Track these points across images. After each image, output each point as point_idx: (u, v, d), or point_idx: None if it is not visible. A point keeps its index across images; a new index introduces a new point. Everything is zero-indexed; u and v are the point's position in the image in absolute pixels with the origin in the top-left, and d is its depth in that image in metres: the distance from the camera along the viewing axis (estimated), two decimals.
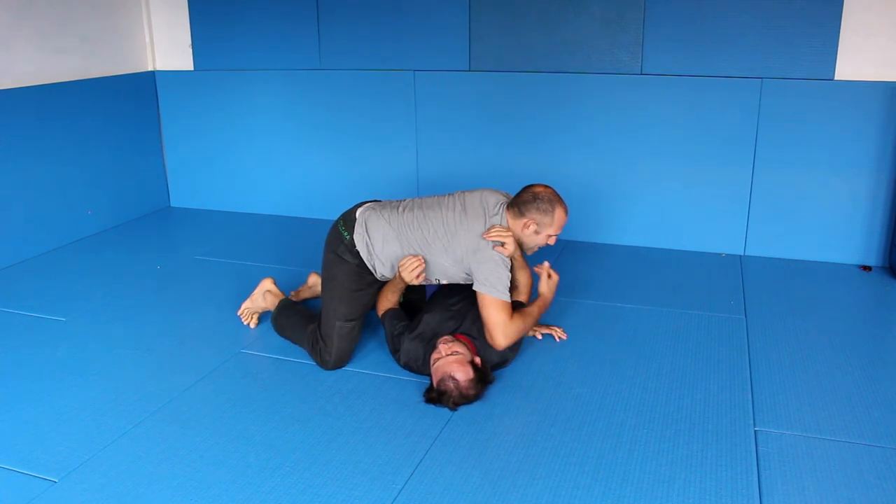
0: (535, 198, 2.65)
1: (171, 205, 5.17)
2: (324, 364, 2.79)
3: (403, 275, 2.69)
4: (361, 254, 2.72)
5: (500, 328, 2.56)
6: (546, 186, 2.72)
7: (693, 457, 2.23)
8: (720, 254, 4.05)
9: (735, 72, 3.82)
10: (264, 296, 3.13)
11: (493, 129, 4.28)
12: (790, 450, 2.26)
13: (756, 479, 2.12)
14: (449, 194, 2.82)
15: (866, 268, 3.82)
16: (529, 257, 2.89)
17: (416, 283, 2.70)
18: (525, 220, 2.65)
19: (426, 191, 4.47)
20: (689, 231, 4.09)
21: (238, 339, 3.06)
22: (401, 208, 2.76)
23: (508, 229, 2.64)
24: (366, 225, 2.72)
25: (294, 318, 2.96)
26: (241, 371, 2.80)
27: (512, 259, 2.69)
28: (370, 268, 2.74)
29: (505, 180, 4.26)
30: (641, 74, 3.97)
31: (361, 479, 2.13)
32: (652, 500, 2.04)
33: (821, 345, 2.97)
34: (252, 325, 3.15)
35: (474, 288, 2.60)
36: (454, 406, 2.46)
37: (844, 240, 3.86)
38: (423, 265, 2.67)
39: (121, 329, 3.16)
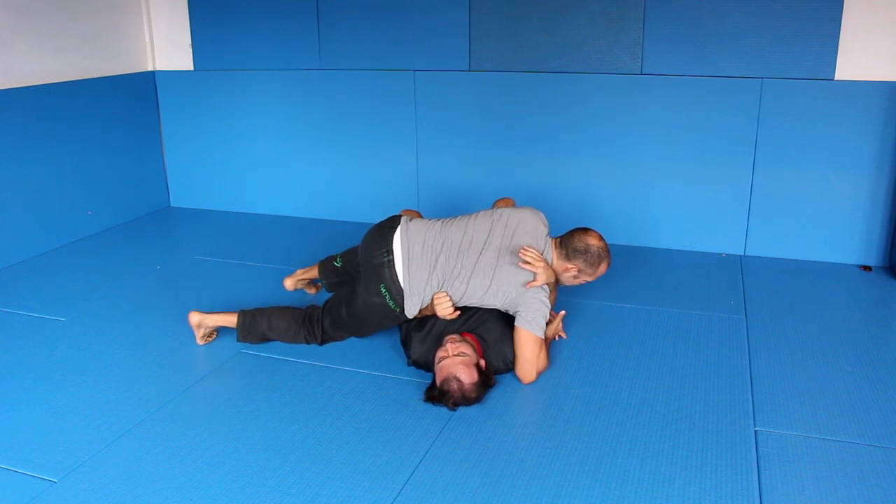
0: (587, 251, 2.72)
1: (171, 205, 5.17)
2: (317, 342, 2.95)
3: (437, 310, 2.70)
4: (409, 315, 2.75)
5: (534, 365, 2.64)
6: (600, 238, 2.76)
7: (693, 457, 2.23)
8: (720, 254, 4.05)
9: (735, 72, 3.82)
10: (206, 327, 3.00)
11: (493, 129, 4.27)
12: (790, 450, 2.26)
13: (756, 479, 2.12)
14: (490, 230, 2.73)
15: (866, 268, 3.82)
16: None
17: (448, 318, 2.71)
18: (569, 265, 2.73)
19: (426, 191, 4.47)
20: (689, 231, 4.08)
21: None
22: (450, 266, 2.68)
23: (544, 260, 2.66)
24: (418, 295, 2.70)
25: (275, 321, 2.95)
26: (241, 371, 2.80)
27: (550, 289, 2.75)
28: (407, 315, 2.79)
29: (505, 180, 4.28)
30: (641, 74, 3.97)
31: (361, 479, 2.13)
32: (652, 500, 2.04)
33: (821, 345, 2.97)
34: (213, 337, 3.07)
35: (516, 324, 2.65)
36: (454, 406, 2.47)
37: (844, 240, 3.86)
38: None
39: (121, 329, 3.16)
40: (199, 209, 5.07)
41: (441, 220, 2.82)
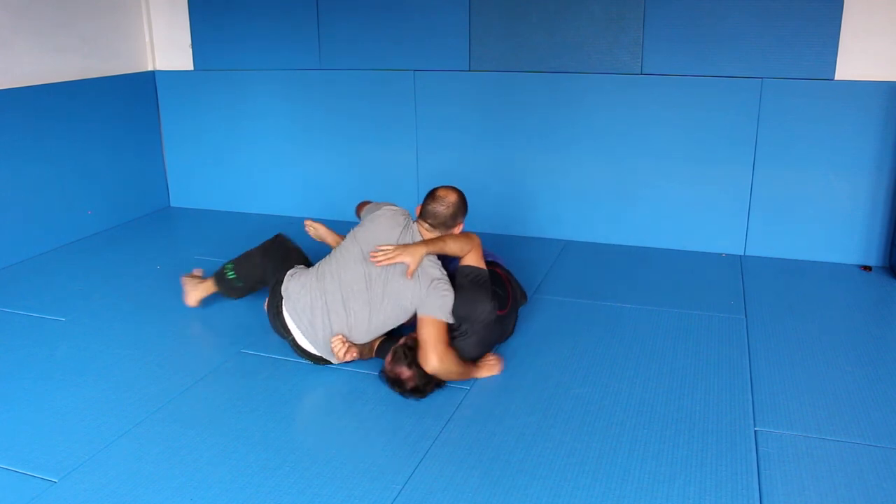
0: (462, 209, 2.79)
1: (171, 205, 5.17)
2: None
3: (335, 354, 2.69)
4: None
5: (434, 349, 2.53)
6: (448, 192, 2.80)
7: (693, 457, 2.23)
8: (720, 254, 4.05)
9: (735, 72, 3.82)
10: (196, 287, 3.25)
11: (493, 129, 4.27)
12: (790, 450, 2.26)
13: (756, 479, 2.12)
14: (362, 262, 2.67)
15: (866, 268, 3.82)
16: None
17: (345, 360, 2.71)
18: (456, 229, 2.79)
19: (426, 191, 4.41)
20: (689, 231, 4.08)
21: (238, 339, 3.06)
22: (342, 317, 2.66)
23: (397, 247, 2.61)
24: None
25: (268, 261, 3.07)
26: (241, 371, 2.80)
27: (439, 250, 2.68)
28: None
29: (505, 179, 4.29)
30: (641, 74, 3.97)
31: (361, 479, 2.13)
32: (652, 499, 2.04)
33: (821, 345, 2.97)
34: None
35: (418, 313, 2.60)
36: (432, 389, 2.55)
37: (844, 240, 3.86)
38: (347, 344, 2.68)
39: (121, 329, 3.16)
40: (199, 209, 5.07)
41: (315, 272, 2.75)
